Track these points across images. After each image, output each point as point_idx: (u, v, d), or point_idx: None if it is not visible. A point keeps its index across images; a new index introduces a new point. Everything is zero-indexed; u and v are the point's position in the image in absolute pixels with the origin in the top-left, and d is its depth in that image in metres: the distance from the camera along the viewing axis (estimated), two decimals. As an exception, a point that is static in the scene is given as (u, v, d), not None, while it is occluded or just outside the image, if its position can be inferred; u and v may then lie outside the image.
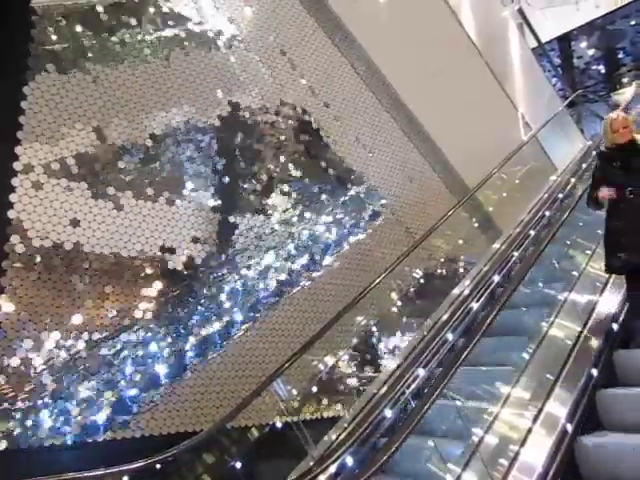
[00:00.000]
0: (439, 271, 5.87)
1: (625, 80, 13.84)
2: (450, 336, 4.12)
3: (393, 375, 4.37)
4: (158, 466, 3.18)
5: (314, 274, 4.91)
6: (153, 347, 3.90)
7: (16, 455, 3.23)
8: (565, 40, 13.71)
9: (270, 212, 4.80)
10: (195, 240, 4.29)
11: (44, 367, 3.45)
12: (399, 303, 5.40)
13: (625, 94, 11.75)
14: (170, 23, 4.61)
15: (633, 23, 12.73)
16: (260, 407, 3.97)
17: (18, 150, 3.61)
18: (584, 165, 7.52)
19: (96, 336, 3.68)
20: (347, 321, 4.67)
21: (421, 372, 4.13)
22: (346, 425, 4.10)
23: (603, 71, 14.70)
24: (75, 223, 3.76)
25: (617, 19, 12.73)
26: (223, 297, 4.35)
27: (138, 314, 3.89)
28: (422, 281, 5.64)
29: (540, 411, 3.42)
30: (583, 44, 13.86)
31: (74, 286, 3.65)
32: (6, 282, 3.39)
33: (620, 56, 14.26)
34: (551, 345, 4.00)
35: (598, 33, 13.31)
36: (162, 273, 4.08)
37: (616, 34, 13.20)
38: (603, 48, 14.06)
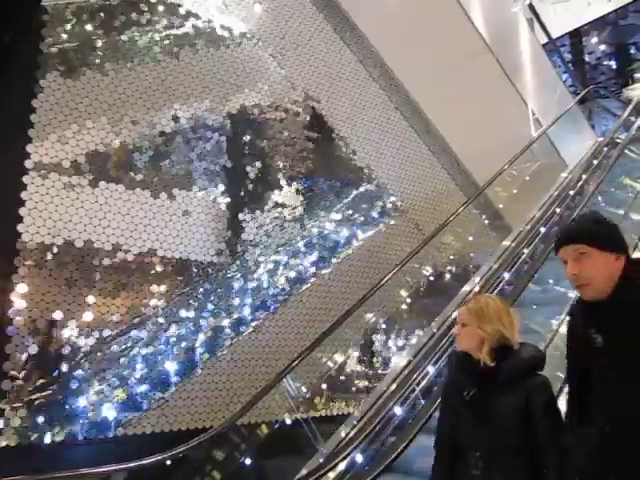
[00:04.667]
0: (449, 268, 5.85)
1: (637, 75, 13.70)
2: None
3: (403, 372, 4.36)
4: (169, 462, 3.20)
5: (323, 271, 4.91)
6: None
7: (28, 450, 3.26)
8: (576, 36, 13.59)
9: (278, 209, 4.80)
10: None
11: (56, 363, 3.48)
12: (409, 300, 5.39)
13: (637, 89, 11.64)
14: (180, 21, 4.61)
15: (646, 18, 12.59)
16: (270, 404, 3.98)
17: (29, 148, 3.63)
18: (595, 162, 7.47)
19: (107, 333, 3.70)
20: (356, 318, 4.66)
21: (431, 369, 4.13)
22: (355, 422, 4.10)
23: (615, 66, 14.55)
24: (86, 220, 3.78)
25: (629, 14, 12.59)
26: (232, 293, 4.37)
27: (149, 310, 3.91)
28: (432, 278, 5.62)
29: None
30: (594, 39, 13.74)
31: (85, 283, 3.67)
32: (18, 279, 3.42)
33: (632, 51, 14.11)
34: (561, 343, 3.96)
35: (610, 28, 13.18)
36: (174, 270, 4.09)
37: (628, 29, 13.06)
38: (615, 43, 13.91)
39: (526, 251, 5.36)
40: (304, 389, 4.32)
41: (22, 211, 3.52)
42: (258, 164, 4.78)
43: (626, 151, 7.12)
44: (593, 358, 1.75)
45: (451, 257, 5.90)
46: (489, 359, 2.08)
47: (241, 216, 4.57)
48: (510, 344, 2.11)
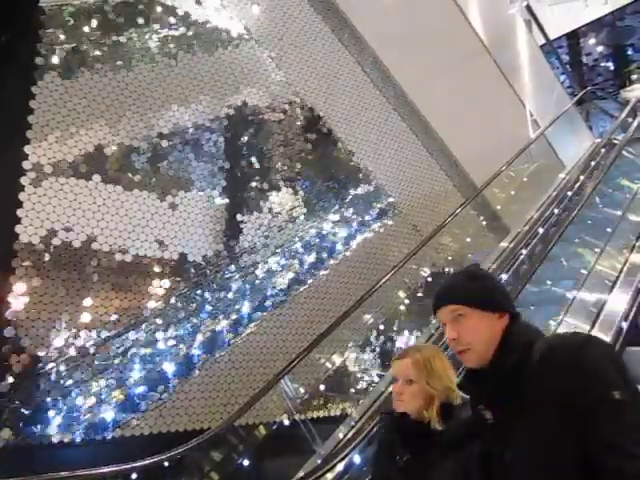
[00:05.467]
0: (447, 269, 5.84)
1: (635, 77, 13.74)
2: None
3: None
4: (166, 464, 3.20)
5: (321, 272, 4.91)
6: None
7: (26, 451, 3.25)
8: (574, 37, 13.61)
9: (276, 210, 4.80)
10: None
11: (53, 364, 3.47)
12: (406, 301, 5.39)
13: (634, 91, 11.66)
14: (178, 22, 4.62)
15: (643, 19, 12.62)
16: (268, 405, 3.97)
17: (27, 149, 3.63)
18: (592, 163, 7.48)
19: (104, 334, 3.70)
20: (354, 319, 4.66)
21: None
22: (354, 423, 4.10)
23: (612, 68, 14.58)
24: (84, 222, 3.77)
25: (627, 15, 12.62)
26: (230, 295, 4.36)
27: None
28: (430, 279, 5.62)
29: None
30: (592, 41, 13.76)
31: (83, 283, 3.67)
32: (16, 280, 3.41)
33: (629, 53, 14.14)
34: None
35: (607, 30, 13.21)
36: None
37: (626, 30, 13.09)
38: (612, 45, 13.95)
39: (524, 252, 5.36)
40: (302, 390, 4.31)
41: (20, 212, 3.52)
42: (256, 165, 4.78)
43: (624, 152, 7.13)
44: (485, 435, 1.49)
45: (449, 258, 5.90)
46: (438, 421, 1.80)
47: (239, 217, 4.57)
48: (452, 401, 1.85)
